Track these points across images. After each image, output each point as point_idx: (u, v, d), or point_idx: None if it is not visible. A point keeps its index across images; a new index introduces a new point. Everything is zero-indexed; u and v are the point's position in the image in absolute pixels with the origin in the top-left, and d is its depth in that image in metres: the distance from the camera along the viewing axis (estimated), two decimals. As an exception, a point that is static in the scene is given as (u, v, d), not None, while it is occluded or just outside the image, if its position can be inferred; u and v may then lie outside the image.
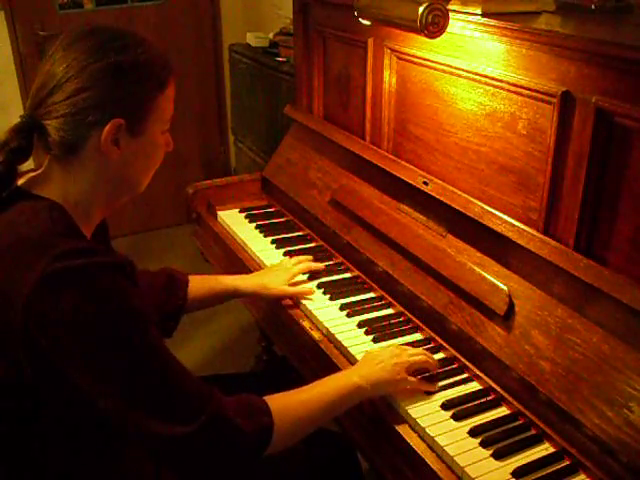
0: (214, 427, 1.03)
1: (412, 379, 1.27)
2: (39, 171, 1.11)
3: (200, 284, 1.55)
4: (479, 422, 1.20)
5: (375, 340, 1.42)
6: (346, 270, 1.73)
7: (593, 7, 1.44)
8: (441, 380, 1.31)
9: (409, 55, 1.62)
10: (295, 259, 1.70)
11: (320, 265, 1.70)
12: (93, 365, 0.97)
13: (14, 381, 1.00)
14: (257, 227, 1.97)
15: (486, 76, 1.39)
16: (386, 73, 1.72)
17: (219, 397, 1.06)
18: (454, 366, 1.36)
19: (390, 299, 1.58)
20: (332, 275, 1.70)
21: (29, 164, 1.13)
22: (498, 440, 1.16)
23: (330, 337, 1.46)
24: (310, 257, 1.73)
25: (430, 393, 1.28)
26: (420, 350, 1.34)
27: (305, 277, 1.67)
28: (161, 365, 1.02)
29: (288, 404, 1.15)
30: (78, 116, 1.02)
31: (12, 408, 1.03)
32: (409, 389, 1.26)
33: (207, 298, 1.57)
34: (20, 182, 1.09)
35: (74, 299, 0.94)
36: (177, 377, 1.03)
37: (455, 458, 1.11)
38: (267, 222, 2.00)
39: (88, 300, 0.95)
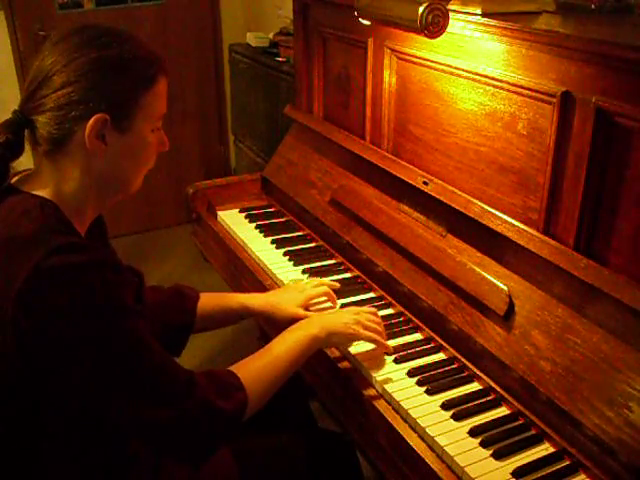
0: (198, 411, 1.08)
1: (367, 333, 1.34)
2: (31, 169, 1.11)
3: (210, 301, 1.50)
4: (479, 422, 1.20)
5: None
6: (346, 270, 1.73)
7: (593, 7, 1.44)
8: (441, 380, 1.31)
9: (409, 55, 1.62)
10: (316, 281, 1.58)
11: (334, 297, 1.55)
12: (82, 357, 0.98)
13: (10, 379, 1.00)
14: (257, 227, 1.97)
15: (486, 76, 1.39)
16: (386, 73, 1.72)
17: (198, 380, 1.10)
18: (454, 366, 1.36)
19: (390, 299, 1.58)
20: (332, 275, 1.70)
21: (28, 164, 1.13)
22: (498, 440, 1.16)
23: (330, 337, 1.46)
24: (335, 285, 1.59)
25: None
26: (377, 320, 1.39)
27: (323, 299, 1.55)
28: (148, 355, 1.05)
29: (256, 371, 1.19)
30: (63, 110, 1.03)
31: (10, 409, 1.03)
32: (364, 337, 1.34)
33: (217, 316, 1.50)
34: (13, 180, 1.09)
35: (63, 295, 0.95)
36: (163, 366, 1.07)
37: (455, 458, 1.11)
38: (267, 222, 2.00)
39: (77, 296, 0.96)
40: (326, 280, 1.61)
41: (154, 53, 1.11)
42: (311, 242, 1.89)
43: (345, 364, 1.38)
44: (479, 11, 1.35)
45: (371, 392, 1.29)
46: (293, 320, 1.42)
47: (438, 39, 1.36)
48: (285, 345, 1.25)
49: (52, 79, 1.03)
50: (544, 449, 1.16)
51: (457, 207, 1.46)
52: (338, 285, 1.60)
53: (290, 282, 1.63)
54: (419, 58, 1.59)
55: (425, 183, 1.57)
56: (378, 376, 1.31)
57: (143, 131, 1.10)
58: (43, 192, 1.06)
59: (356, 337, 1.34)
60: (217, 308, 1.50)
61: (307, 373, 1.44)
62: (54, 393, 1.02)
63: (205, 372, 1.14)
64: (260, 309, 1.49)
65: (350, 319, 1.34)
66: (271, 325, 1.58)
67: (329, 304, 1.55)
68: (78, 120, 1.03)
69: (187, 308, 1.47)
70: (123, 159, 1.10)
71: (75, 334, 0.97)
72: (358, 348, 1.39)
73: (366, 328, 1.35)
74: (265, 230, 1.94)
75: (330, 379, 1.39)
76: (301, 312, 1.46)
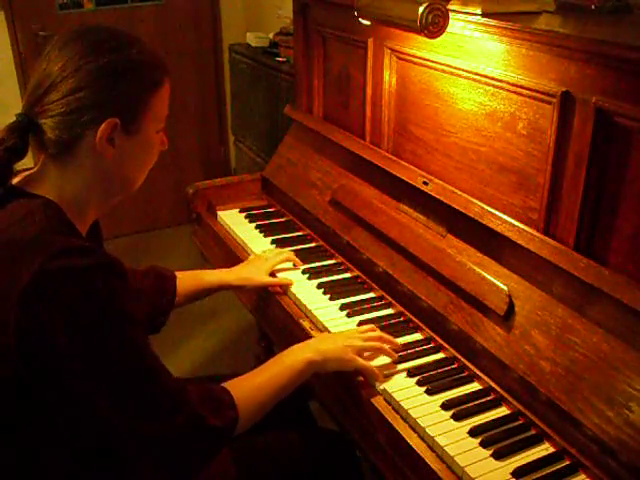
0: (187, 425, 1.07)
1: (362, 362, 1.30)
2: (34, 169, 1.11)
3: (186, 280, 1.59)
4: (479, 422, 1.20)
5: (375, 340, 1.42)
6: (346, 270, 1.73)
7: (593, 7, 1.44)
8: (441, 380, 1.31)
9: (409, 55, 1.62)
10: (277, 250, 1.78)
11: (298, 261, 1.74)
12: (80, 363, 0.98)
13: (11, 381, 1.00)
14: (257, 227, 1.97)
15: (486, 76, 1.39)
16: (386, 73, 1.72)
17: (190, 395, 1.09)
18: (454, 366, 1.36)
19: (390, 299, 1.58)
20: (332, 275, 1.70)
21: (27, 164, 1.13)
22: (498, 440, 1.16)
23: (330, 337, 1.45)
24: (297, 261, 1.75)
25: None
26: (376, 335, 1.37)
27: (290, 265, 1.74)
28: (144, 366, 1.04)
29: (250, 391, 1.19)
30: (73, 115, 1.03)
31: (10, 410, 1.03)
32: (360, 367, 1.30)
33: (194, 293, 1.60)
34: (15, 181, 1.09)
35: (67, 298, 0.95)
36: (157, 378, 1.06)
37: (455, 458, 1.11)
38: (267, 222, 2.00)
39: (79, 299, 0.96)
40: (285, 250, 1.78)
41: (159, 56, 1.13)
42: (311, 242, 1.89)
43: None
44: (479, 11, 1.35)
45: (371, 392, 1.29)
46: (262, 287, 1.65)
47: (438, 39, 1.36)
48: (281, 367, 1.25)
49: (61, 84, 1.03)
50: (544, 449, 1.16)
51: (457, 207, 1.46)
52: (300, 263, 1.73)
53: (254, 255, 1.79)
54: (419, 58, 1.59)
55: (425, 183, 1.57)
56: (378, 376, 1.31)
57: (149, 133, 1.11)
58: (47, 193, 1.07)
59: (352, 365, 1.30)
60: (193, 286, 1.60)
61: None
62: (52, 395, 1.02)
63: (199, 386, 1.13)
64: (232, 283, 1.64)
65: (348, 345, 1.31)
66: (244, 294, 1.79)
67: (291, 264, 1.73)
68: (89, 124, 1.04)
69: (167, 289, 1.54)
70: (129, 160, 1.12)
71: (74, 337, 0.96)
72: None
73: (367, 351, 1.34)
74: (265, 230, 1.94)
75: (330, 379, 1.39)
76: (267, 280, 1.65)
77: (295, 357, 1.27)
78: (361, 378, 1.32)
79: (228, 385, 1.18)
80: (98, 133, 1.04)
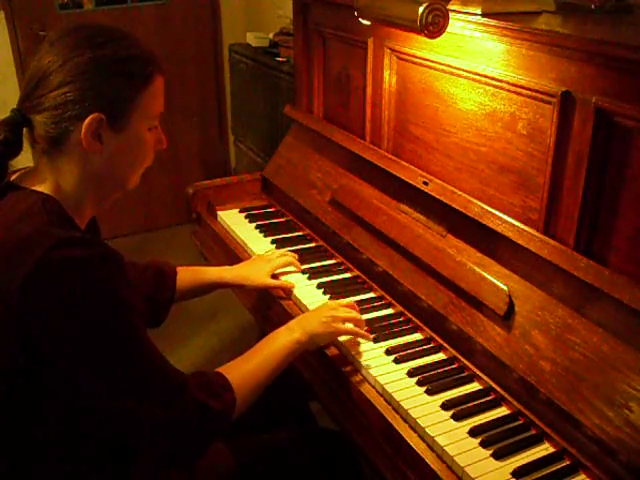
0: (190, 410, 1.08)
1: (346, 328, 1.37)
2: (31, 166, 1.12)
3: (187, 276, 1.58)
4: (479, 422, 1.20)
5: (375, 340, 1.42)
6: (346, 270, 1.73)
7: (593, 7, 1.44)
8: (441, 380, 1.31)
9: (409, 55, 1.62)
10: (280, 251, 1.74)
11: (299, 265, 1.71)
12: (80, 352, 0.99)
13: (12, 375, 1.01)
14: (257, 227, 1.97)
15: (486, 76, 1.39)
16: (386, 73, 1.72)
17: (190, 382, 1.11)
18: (454, 366, 1.36)
19: (390, 299, 1.58)
20: (332, 275, 1.70)
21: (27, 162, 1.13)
22: (498, 440, 1.16)
23: (330, 337, 1.46)
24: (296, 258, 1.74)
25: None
26: (349, 302, 1.46)
27: (292, 268, 1.71)
28: (143, 354, 1.06)
29: (244, 374, 1.21)
30: (60, 110, 1.04)
31: (10, 405, 1.03)
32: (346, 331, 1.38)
33: (194, 289, 1.60)
34: (12, 178, 1.10)
35: (67, 287, 0.96)
36: (157, 366, 1.08)
37: (455, 458, 1.11)
38: (267, 222, 2.00)
39: (79, 289, 0.97)
40: (288, 252, 1.74)
41: (149, 52, 1.12)
42: (311, 242, 1.89)
43: (345, 364, 1.38)
44: (479, 11, 1.35)
45: (371, 392, 1.29)
46: (263, 288, 1.63)
47: (438, 39, 1.36)
48: (271, 350, 1.28)
49: (49, 79, 1.04)
50: (544, 449, 1.16)
51: (457, 207, 1.46)
52: (300, 268, 1.71)
53: (257, 255, 1.76)
54: (419, 58, 1.59)
55: (425, 183, 1.57)
56: (378, 376, 1.31)
57: (139, 130, 1.11)
58: (44, 188, 1.07)
59: (337, 334, 1.37)
60: (194, 282, 1.59)
61: (306, 372, 1.44)
62: (53, 388, 1.02)
63: (195, 373, 1.15)
64: (232, 281, 1.63)
65: (328, 317, 1.36)
66: (244, 293, 1.75)
67: (293, 268, 1.70)
68: (74, 120, 1.04)
69: (167, 285, 1.54)
70: (119, 158, 1.11)
71: (73, 326, 0.97)
72: (358, 348, 1.39)
73: (345, 321, 1.37)
74: (265, 230, 1.94)
75: (330, 379, 1.39)
76: (269, 281, 1.62)
77: (284, 339, 1.30)
78: (360, 377, 1.32)
79: (223, 370, 1.20)
80: (82, 128, 1.04)
